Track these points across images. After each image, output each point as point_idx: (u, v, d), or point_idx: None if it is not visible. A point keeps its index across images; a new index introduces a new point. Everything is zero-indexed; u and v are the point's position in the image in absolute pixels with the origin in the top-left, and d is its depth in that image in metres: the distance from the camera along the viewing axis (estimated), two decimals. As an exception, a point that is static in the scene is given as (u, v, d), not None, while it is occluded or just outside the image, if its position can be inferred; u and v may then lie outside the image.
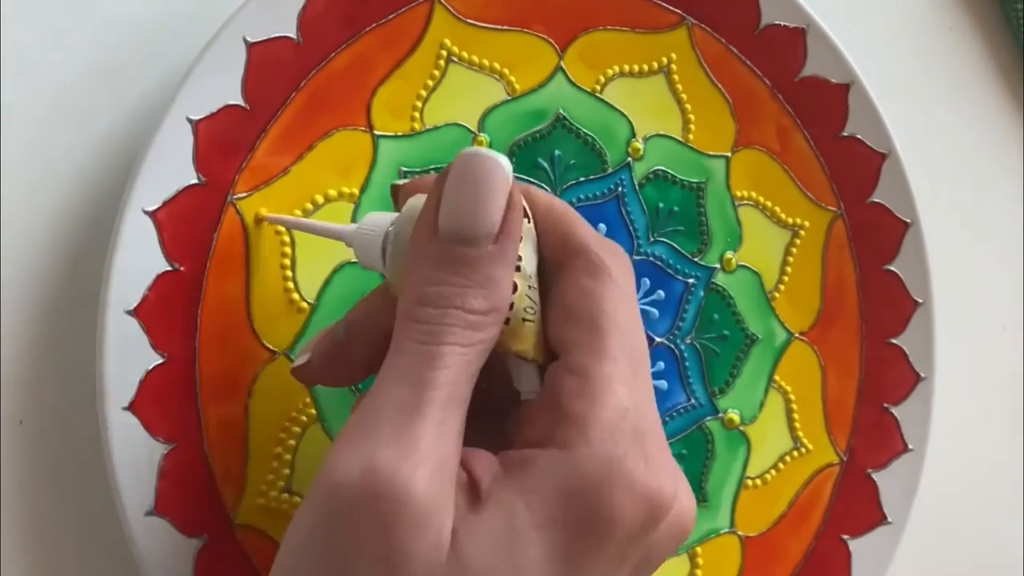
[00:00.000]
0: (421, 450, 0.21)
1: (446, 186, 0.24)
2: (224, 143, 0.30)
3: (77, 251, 0.31)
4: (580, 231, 0.25)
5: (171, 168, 0.29)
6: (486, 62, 0.34)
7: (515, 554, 0.22)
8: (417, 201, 0.25)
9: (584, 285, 0.24)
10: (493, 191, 0.23)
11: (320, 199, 0.32)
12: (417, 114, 0.33)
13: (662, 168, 0.36)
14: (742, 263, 0.38)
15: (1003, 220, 0.50)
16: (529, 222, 0.25)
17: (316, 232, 0.30)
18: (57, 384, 0.31)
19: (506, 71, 0.35)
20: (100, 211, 0.31)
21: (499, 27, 0.34)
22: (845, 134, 0.39)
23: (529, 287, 0.24)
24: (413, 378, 0.22)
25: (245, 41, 0.30)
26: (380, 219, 0.27)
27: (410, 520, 0.21)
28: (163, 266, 0.29)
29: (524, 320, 0.24)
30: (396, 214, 0.26)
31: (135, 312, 0.29)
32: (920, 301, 0.40)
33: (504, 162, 0.23)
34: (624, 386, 0.23)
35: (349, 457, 0.21)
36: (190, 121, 0.29)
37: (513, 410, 0.25)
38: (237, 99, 0.30)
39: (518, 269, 0.24)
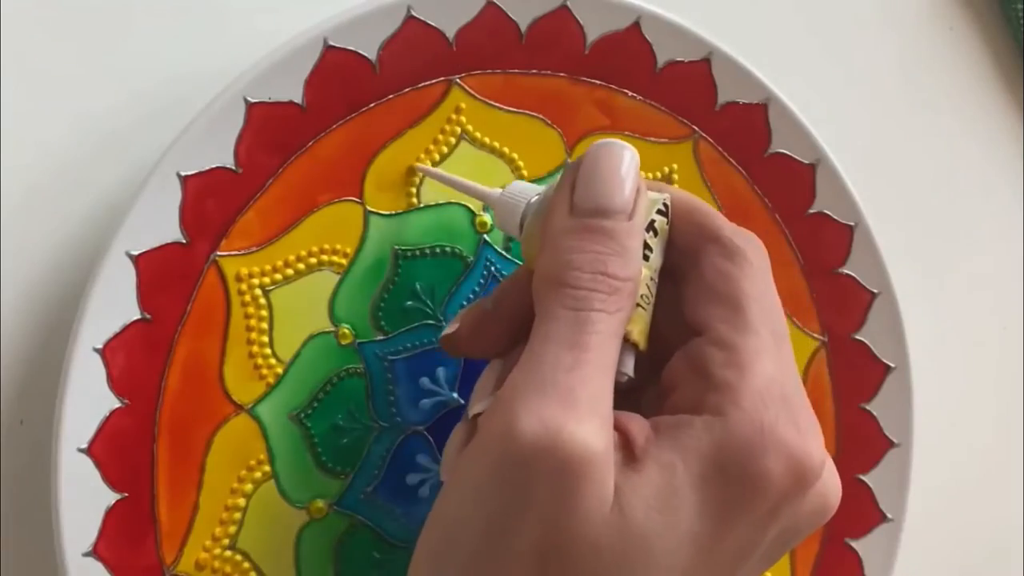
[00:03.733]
0: (585, 407, 0.23)
1: (581, 168, 0.26)
2: (212, 203, 0.31)
3: (76, 254, 0.32)
4: (715, 219, 0.27)
5: (156, 223, 0.30)
6: (496, 143, 0.35)
7: (673, 509, 0.23)
8: (553, 184, 0.27)
9: (722, 267, 0.26)
10: (626, 172, 0.25)
11: (304, 267, 0.32)
12: (414, 190, 0.34)
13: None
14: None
15: (1003, 220, 0.49)
16: (667, 222, 0.27)
17: (463, 189, 0.32)
18: (57, 384, 0.31)
19: (515, 155, 0.35)
20: (82, 257, 0.32)
21: (513, 109, 0.35)
22: (841, 271, 0.39)
23: (651, 278, 0.26)
24: (569, 341, 0.23)
25: (246, 101, 0.31)
26: (524, 188, 0.29)
27: (581, 474, 0.22)
28: (135, 313, 0.30)
29: (638, 305, 0.25)
30: (541, 187, 0.29)
31: (102, 352, 0.29)
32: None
33: (632, 150, 0.26)
34: (770, 358, 0.24)
35: (520, 412, 0.22)
36: (179, 177, 0.30)
37: (648, 388, 0.27)
38: (228, 161, 0.31)
39: (646, 259, 0.26)
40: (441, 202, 0.34)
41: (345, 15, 0.31)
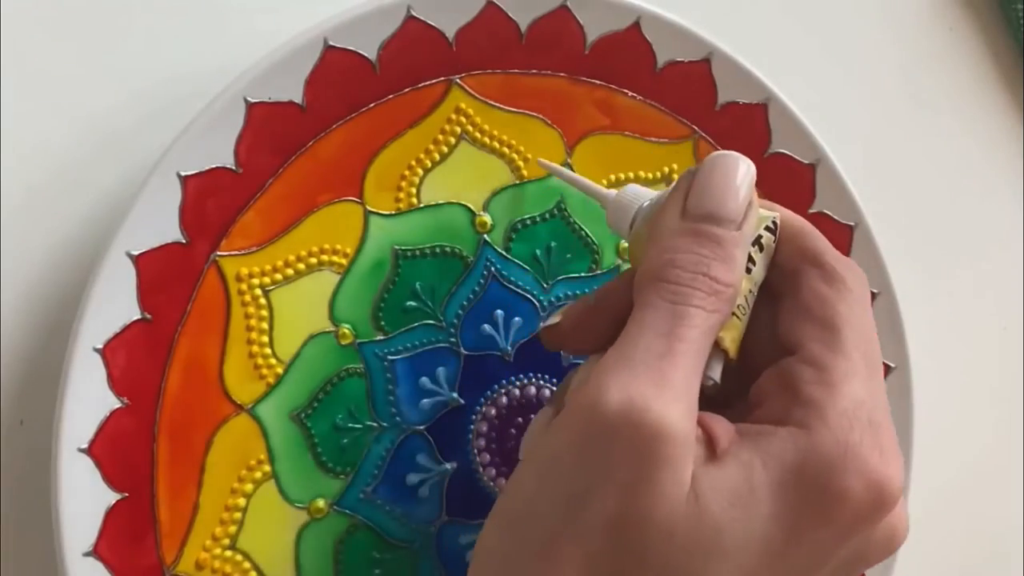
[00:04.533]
0: (673, 392, 0.23)
1: (697, 175, 0.26)
2: (212, 203, 0.31)
3: (76, 254, 0.32)
4: (819, 244, 0.27)
5: (156, 223, 0.30)
6: (496, 143, 0.35)
7: (749, 507, 0.23)
8: (667, 192, 0.28)
9: (821, 290, 0.26)
10: (740, 183, 0.26)
11: (304, 267, 0.32)
12: (414, 190, 0.34)
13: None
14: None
15: (1003, 220, 0.49)
16: (775, 240, 0.27)
17: (582, 187, 0.32)
18: (57, 384, 0.31)
19: (515, 156, 0.35)
20: (82, 257, 0.32)
21: (513, 109, 0.35)
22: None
23: (750, 291, 0.27)
24: (664, 330, 0.24)
25: (246, 101, 0.31)
26: (638, 191, 0.30)
27: (662, 452, 0.22)
28: (136, 313, 0.30)
29: (734, 314, 0.26)
30: (654, 192, 0.29)
31: (103, 352, 0.29)
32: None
33: (749, 164, 0.26)
34: (860, 381, 0.24)
35: (610, 386, 0.23)
36: (179, 177, 0.30)
37: (736, 403, 0.27)
38: (228, 161, 0.31)
39: (748, 271, 0.26)
40: (441, 202, 0.34)
41: (345, 15, 0.31)
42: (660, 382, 0.23)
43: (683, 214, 0.26)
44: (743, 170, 0.26)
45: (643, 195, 0.30)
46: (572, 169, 0.35)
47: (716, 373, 0.26)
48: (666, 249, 0.25)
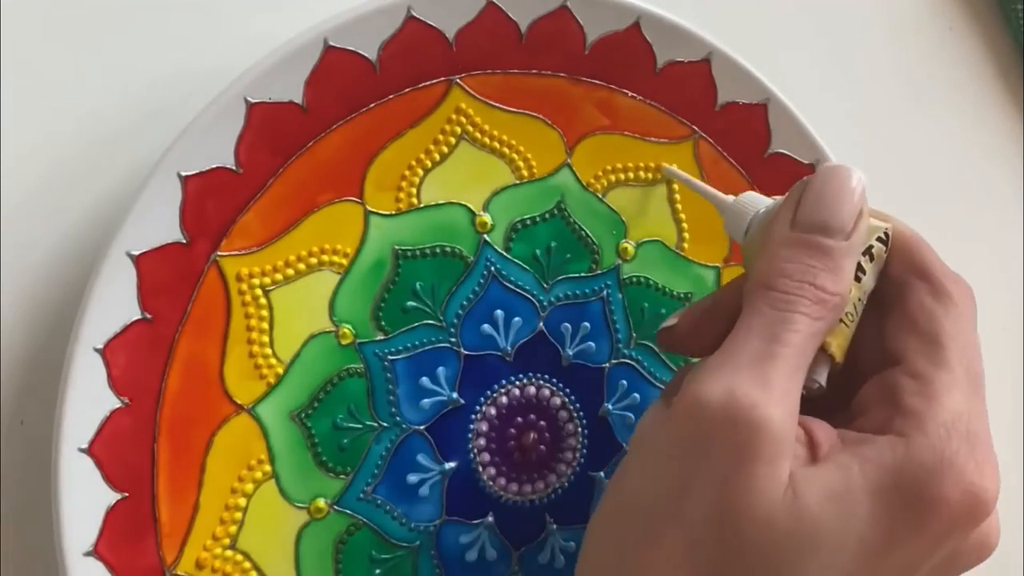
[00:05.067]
0: (776, 393, 0.24)
1: (808, 187, 0.27)
2: (212, 203, 0.31)
3: (77, 254, 0.32)
4: (929, 257, 0.28)
5: (156, 223, 0.30)
6: (496, 144, 0.35)
7: (846, 507, 0.24)
8: (781, 200, 0.28)
9: (927, 304, 0.27)
10: (851, 195, 0.27)
11: (304, 267, 0.32)
12: (414, 190, 0.34)
13: (650, 277, 0.36)
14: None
15: (1003, 220, 0.49)
16: (886, 250, 0.28)
17: (701, 192, 0.33)
18: (57, 384, 0.31)
19: (515, 156, 0.35)
20: (83, 257, 0.32)
21: (513, 109, 0.35)
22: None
23: (859, 299, 0.27)
24: (768, 334, 0.25)
25: (246, 101, 0.31)
26: (755, 199, 0.31)
27: (762, 448, 0.23)
28: (136, 313, 0.30)
29: (842, 321, 0.27)
30: (771, 199, 0.30)
31: (103, 352, 0.29)
32: None
33: (861, 175, 0.27)
34: (961, 394, 0.25)
35: (714, 383, 0.24)
36: (180, 177, 0.30)
37: (839, 412, 0.28)
38: (228, 161, 0.31)
39: (858, 279, 0.27)
40: (441, 202, 0.34)
41: (345, 15, 0.32)
42: (762, 382, 0.24)
43: (793, 224, 0.27)
44: (854, 182, 0.27)
45: (759, 202, 0.30)
46: (572, 169, 0.35)
47: (822, 377, 0.27)
48: (775, 258, 0.26)
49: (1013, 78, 0.49)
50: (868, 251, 0.28)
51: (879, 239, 0.28)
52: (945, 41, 0.48)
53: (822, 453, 0.25)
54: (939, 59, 0.48)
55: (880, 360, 0.27)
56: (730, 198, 0.31)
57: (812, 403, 0.27)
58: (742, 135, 0.37)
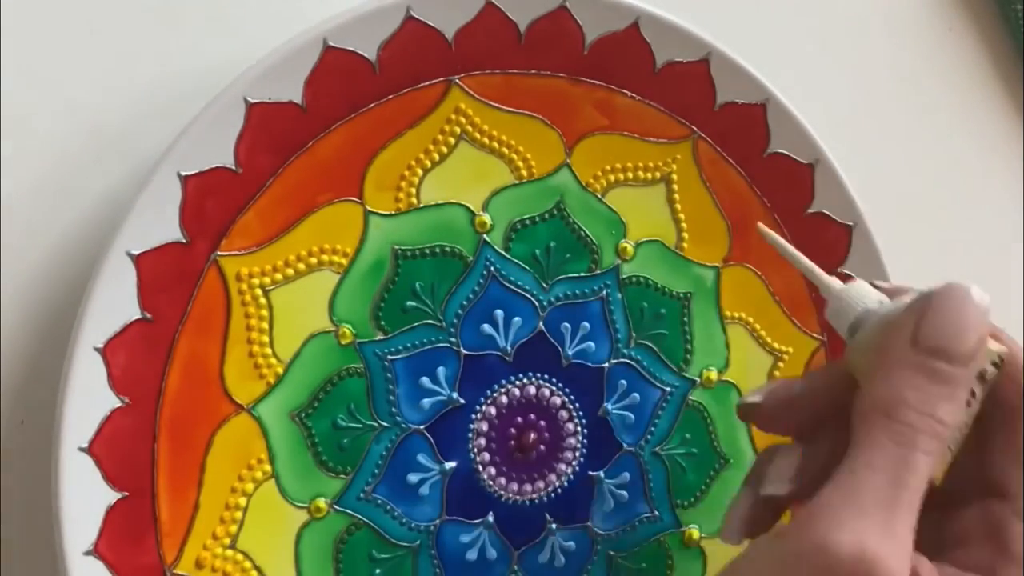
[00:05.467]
0: (900, 542, 0.24)
1: (932, 305, 0.26)
2: (212, 202, 0.31)
3: (77, 254, 0.32)
4: None
5: (156, 223, 0.30)
6: (496, 144, 0.35)
7: None
8: (899, 303, 0.27)
9: None
10: (977, 320, 0.26)
11: (304, 267, 0.32)
12: (413, 190, 0.34)
13: (649, 277, 0.36)
14: (725, 379, 0.38)
15: (1003, 220, 0.49)
16: (997, 374, 0.27)
17: (804, 269, 0.31)
18: (57, 384, 0.31)
19: (514, 156, 0.35)
20: (83, 257, 0.32)
21: (512, 110, 0.35)
22: (840, 271, 0.39)
23: (966, 423, 0.27)
24: (892, 476, 0.25)
25: (246, 101, 0.31)
26: (864, 291, 0.29)
27: None
28: (136, 313, 0.30)
29: (948, 448, 0.27)
30: (880, 296, 0.29)
31: (103, 351, 0.29)
32: None
33: (987, 298, 0.26)
34: None
35: (843, 533, 0.24)
36: (180, 177, 0.30)
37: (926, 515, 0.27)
38: (228, 161, 0.31)
39: (968, 404, 0.26)
40: (440, 202, 0.34)
41: (345, 15, 0.32)
42: (889, 532, 0.24)
43: (914, 343, 0.26)
44: (980, 304, 0.26)
45: (867, 296, 0.29)
46: (572, 169, 0.36)
47: None
48: (896, 385, 0.26)
49: (1013, 78, 0.49)
50: (982, 374, 0.27)
51: (993, 363, 0.27)
52: (945, 41, 0.48)
53: None
54: (939, 59, 0.48)
55: (981, 485, 0.27)
56: (836, 283, 0.30)
57: None
58: (741, 135, 0.37)
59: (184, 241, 0.30)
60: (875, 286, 0.30)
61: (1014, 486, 0.26)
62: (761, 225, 0.33)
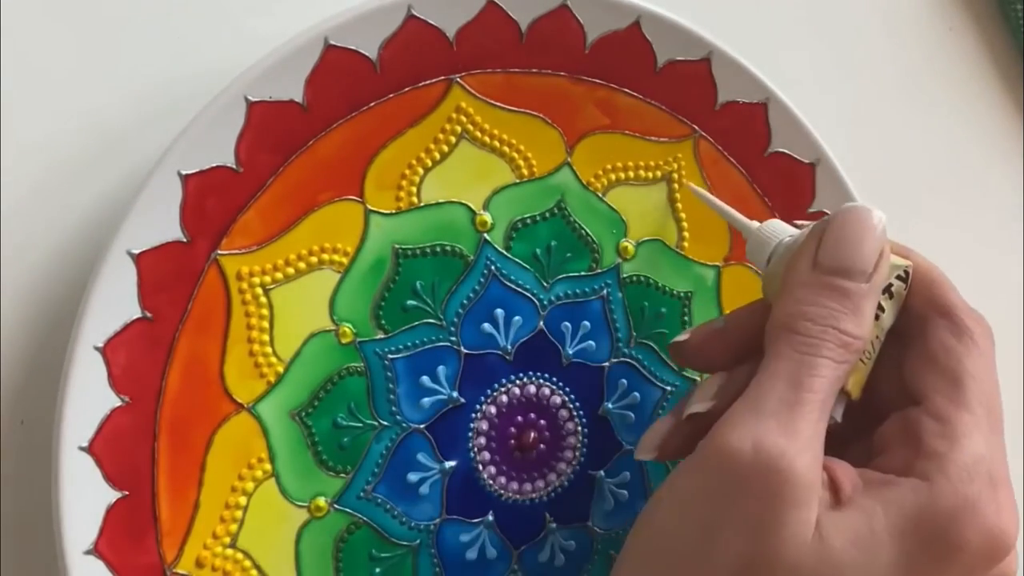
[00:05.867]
0: (803, 440, 0.25)
1: (829, 227, 0.28)
2: (212, 201, 0.31)
3: (77, 253, 0.32)
4: (949, 295, 0.28)
5: (156, 222, 0.30)
6: (497, 143, 0.35)
7: (870, 550, 0.25)
8: (805, 230, 0.29)
9: (948, 342, 0.27)
10: (872, 236, 0.27)
11: (304, 266, 0.32)
12: (414, 189, 0.34)
13: (650, 276, 0.36)
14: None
15: (1003, 220, 0.49)
16: (906, 288, 0.28)
17: (725, 215, 0.34)
18: (57, 384, 0.31)
19: (515, 155, 0.35)
20: (83, 256, 0.32)
21: (514, 108, 0.35)
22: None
23: (877, 337, 0.28)
24: (793, 380, 0.26)
25: (246, 100, 0.31)
26: (780, 228, 0.31)
27: (791, 495, 0.24)
28: (136, 312, 0.30)
29: (860, 360, 0.27)
30: (795, 230, 0.30)
31: (103, 350, 0.29)
32: None
33: (881, 215, 0.27)
34: (982, 436, 0.26)
35: (741, 433, 0.25)
36: (180, 176, 0.30)
37: (856, 441, 0.29)
38: (228, 160, 0.31)
39: (877, 318, 0.28)
40: (441, 201, 0.34)
41: (346, 14, 0.32)
42: (789, 431, 0.25)
43: (815, 265, 0.27)
44: (875, 221, 0.27)
45: (783, 231, 0.31)
46: (572, 168, 0.36)
47: (838, 413, 0.28)
48: (797, 300, 0.27)
49: (1013, 78, 0.49)
50: (888, 289, 0.28)
51: (899, 277, 0.28)
52: (945, 41, 0.48)
53: (845, 495, 0.26)
54: (939, 59, 0.48)
55: (900, 396, 0.28)
56: (755, 224, 0.32)
57: (828, 434, 0.27)
58: (742, 134, 0.37)
59: (184, 240, 0.30)
60: (794, 225, 0.31)
61: (927, 389, 0.27)
62: (690, 184, 0.36)
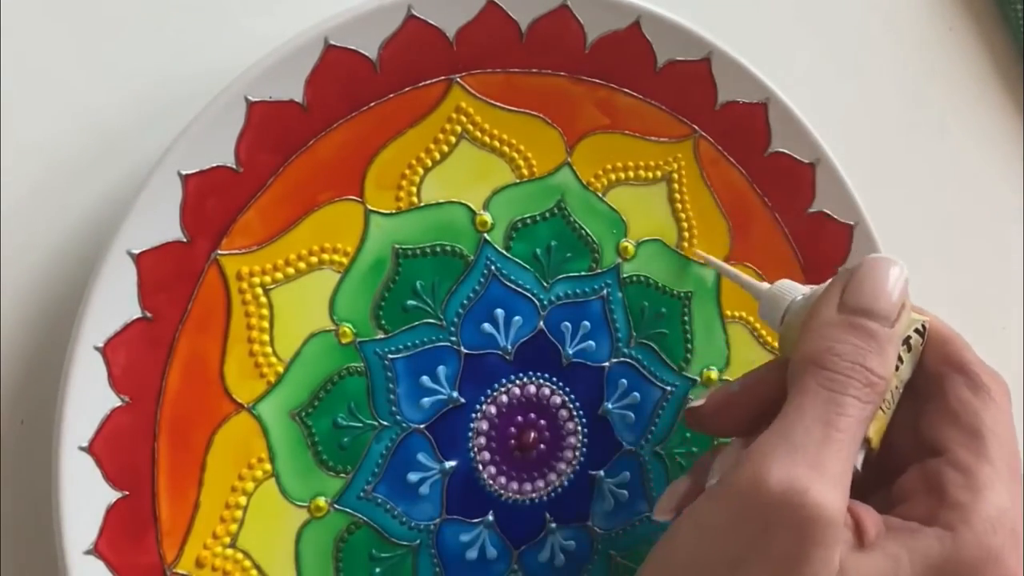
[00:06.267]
0: (831, 477, 0.25)
1: (855, 273, 0.28)
2: (212, 201, 0.31)
3: (77, 253, 0.32)
4: (966, 353, 0.29)
5: (156, 222, 0.30)
6: (497, 143, 0.35)
7: None
8: (824, 285, 0.30)
9: (967, 397, 0.28)
10: (895, 285, 0.28)
11: (304, 266, 0.32)
12: (414, 189, 0.34)
13: (650, 276, 0.36)
14: (725, 379, 0.37)
15: (1003, 220, 0.49)
16: (922, 342, 0.29)
17: (735, 279, 0.35)
18: (57, 384, 0.31)
19: (515, 155, 0.35)
20: (83, 256, 0.32)
21: (514, 108, 0.35)
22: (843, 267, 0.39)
23: (896, 387, 0.29)
24: (822, 417, 0.26)
25: (247, 100, 0.31)
26: (791, 286, 0.32)
27: (818, 534, 0.24)
28: (136, 312, 0.30)
29: (880, 409, 0.28)
30: (806, 288, 0.31)
31: (103, 350, 0.29)
32: None
33: (903, 266, 0.28)
34: (1004, 488, 0.26)
35: (771, 467, 0.25)
36: (180, 176, 0.30)
37: (875, 492, 0.29)
38: (229, 160, 0.31)
39: (896, 368, 0.28)
40: (441, 201, 0.34)
41: (346, 14, 0.32)
42: (818, 467, 0.25)
43: (840, 307, 0.28)
44: (897, 273, 0.28)
45: (796, 290, 0.31)
46: (572, 168, 0.36)
47: (859, 462, 0.28)
48: (824, 338, 0.27)
49: (1013, 78, 0.49)
50: (906, 342, 0.29)
51: (916, 331, 0.29)
52: (945, 41, 0.48)
53: (869, 539, 0.26)
54: (939, 59, 0.48)
55: (917, 450, 0.28)
56: (766, 285, 0.33)
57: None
58: (742, 134, 0.37)
59: (184, 240, 0.30)
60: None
61: (948, 442, 0.27)
62: (699, 251, 0.36)
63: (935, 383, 0.29)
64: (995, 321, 0.50)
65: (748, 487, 0.25)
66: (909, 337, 0.29)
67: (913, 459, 0.28)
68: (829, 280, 0.30)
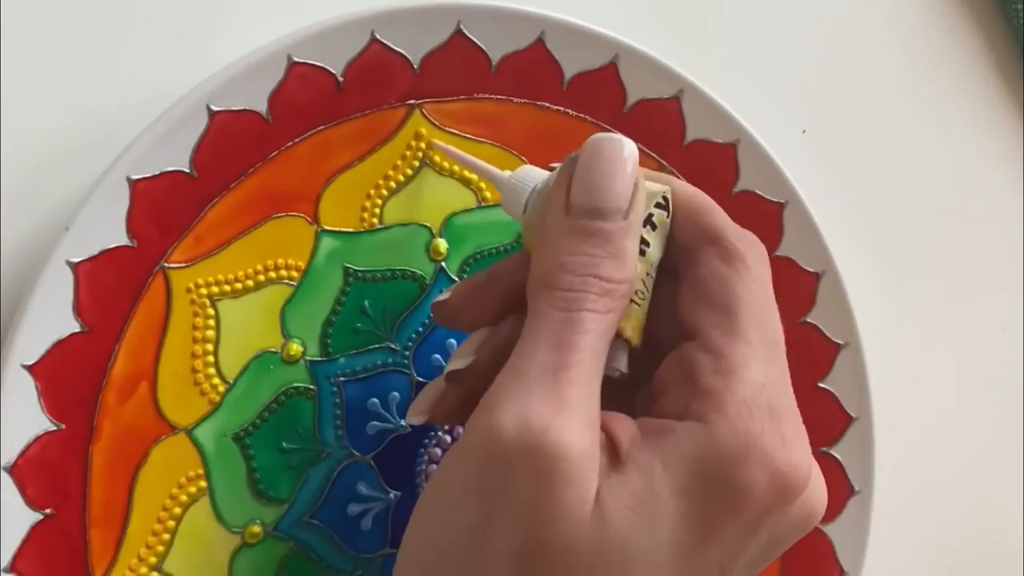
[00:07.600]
0: (571, 408, 0.22)
1: (577, 166, 0.25)
2: (161, 210, 0.30)
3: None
4: (717, 219, 0.26)
5: (102, 230, 0.29)
6: (459, 169, 0.34)
7: (653, 514, 0.22)
8: (555, 172, 0.26)
9: (718, 270, 0.25)
10: (623, 169, 0.25)
11: (252, 283, 0.31)
12: (377, 211, 0.33)
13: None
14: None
15: (1003, 220, 0.49)
16: (668, 215, 0.26)
17: (474, 168, 0.31)
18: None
19: (482, 183, 0.34)
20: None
21: (476, 138, 0.34)
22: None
23: (647, 274, 0.26)
24: (557, 341, 0.23)
25: (208, 109, 0.30)
26: (532, 173, 0.28)
27: (562, 473, 0.22)
28: (73, 326, 0.29)
29: (633, 301, 0.25)
30: (547, 172, 0.28)
31: (32, 369, 0.28)
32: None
33: (630, 144, 0.25)
34: (759, 365, 0.24)
35: (504, 411, 0.22)
36: (128, 181, 0.29)
37: (643, 385, 0.26)
38: (184, 166, 0.30)
39: (643, 253, 0.25)
40: (397, 224, 0.33)
41: (310, 29, 0.31)
42: (557, 400, 0.22)
43: (567, 209, 0.25)
44: (625, 153, 0.25)
45: (536, 177, 0.28)
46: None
47: (622, 364, 0.25)
48: (553, 251, 0.25)
49: (1013, 78, 0.49)
50: (649, 220, 0.26)
51: (658, 205, 0.26)
52: (946, 42, 0.48)
53: (624, 452, 0.23)
54: (940, 60, 0.48)
55: (677, 334, 0.25)
56: (506, 174, 0.29)
57: (616, 386, 0.25)
58: (709, 170, 0.37)
59: (129, 247, 0.29)
60: (549, 168, 0.29)
61: (699, 322, 0.25)
62: (434, 141, 0.33)
63: (688, 258, 0.26)
64: (995, 321, 0.49)
65: (484, 437, 0.22)
66: (651, 214, 0.26)
67: (674, 346, 0.25)
68: (560, 166, 0.26)
